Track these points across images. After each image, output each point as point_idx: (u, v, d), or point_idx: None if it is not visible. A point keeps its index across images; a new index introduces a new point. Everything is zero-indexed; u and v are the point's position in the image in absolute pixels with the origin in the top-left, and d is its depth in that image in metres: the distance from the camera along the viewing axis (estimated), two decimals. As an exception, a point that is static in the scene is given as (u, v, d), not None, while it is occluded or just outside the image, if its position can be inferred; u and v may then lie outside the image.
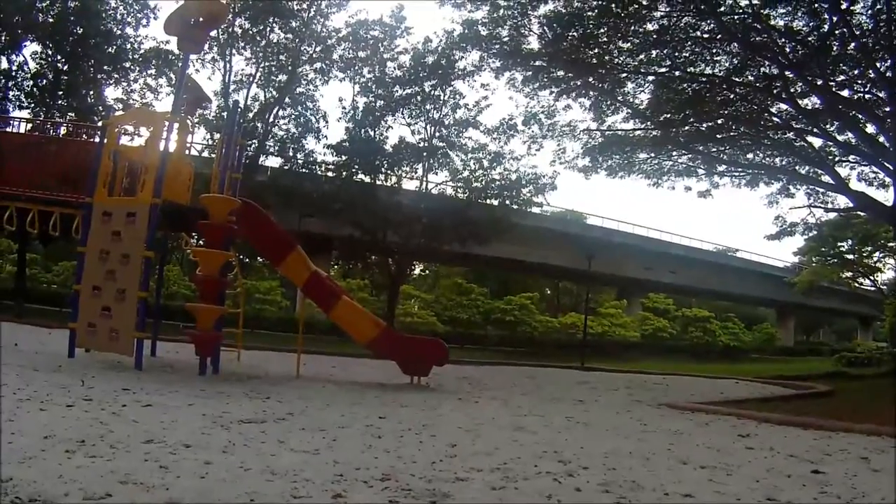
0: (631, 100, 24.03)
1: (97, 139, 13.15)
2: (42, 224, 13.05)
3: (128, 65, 31.53)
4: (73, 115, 28.85)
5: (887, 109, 20.67)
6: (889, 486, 5.55)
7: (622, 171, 26.61)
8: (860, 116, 21.67)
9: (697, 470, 5.96)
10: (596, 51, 21.47)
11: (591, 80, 22.70)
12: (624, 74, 22.66)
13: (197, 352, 12.09)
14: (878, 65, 19.67)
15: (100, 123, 16.04)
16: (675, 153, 25.76)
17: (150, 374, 10.88)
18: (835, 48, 19.82)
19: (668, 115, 23.49)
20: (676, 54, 21.25)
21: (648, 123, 24.49)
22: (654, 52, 21.40)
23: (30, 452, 4.54)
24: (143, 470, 4.42)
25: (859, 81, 21.19)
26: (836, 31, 19.30)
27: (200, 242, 15.34)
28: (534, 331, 46.78)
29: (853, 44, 19.33)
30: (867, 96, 21.46)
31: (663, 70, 22.05)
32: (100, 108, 29.64)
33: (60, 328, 15.68)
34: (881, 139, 21.25)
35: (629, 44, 21.17)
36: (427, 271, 61.19)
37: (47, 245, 35.55)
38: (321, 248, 36.56)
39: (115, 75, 31.54)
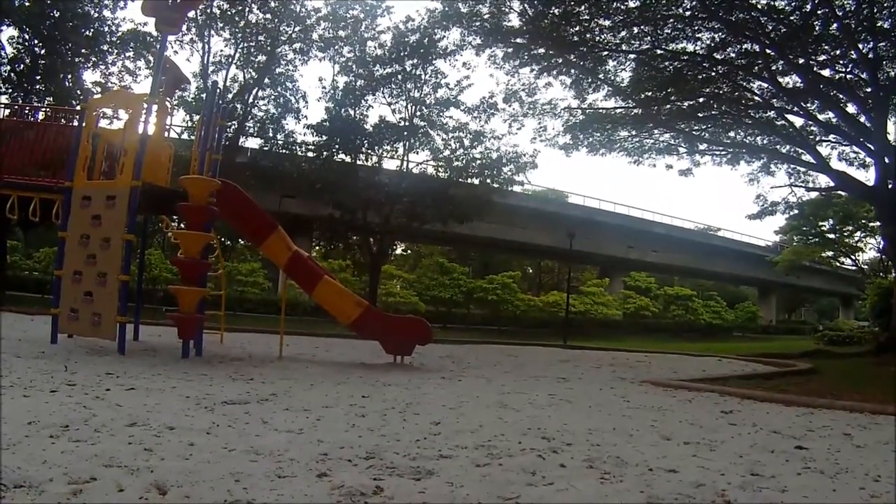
0: (612, 78, 24.07)
1: (76, 123, 13.01)
2: (22, 210, 12.94)
3: (106, 47, 31.06)
4: (51, 99, 28.53)
5: (868, 90, 20.81)
6: (872, 461, 5.59)
7: (603, 149, 26.69)
8: (841, 96, 21.78)
9: (681, 446, 6.01)
10: (577, 28, 21.46)
11: (572, 57, 22.70)
12: (605, 52, 22.65)
13: (180, 335, 12.05)
14: (860, 46, 19.75)
15: (78, 107, 15.85)
16: (656, 131, 25.86)
17: (133, 357, 10.85)
18: (817, 28, 19.88)
19: (649, 93, 23.56)
20: (658, 32, 21.26)
21: (629, 101, 24.52)
22: (635, 30, 21.40)
23: (14, 438, 4.52)
24: (128, 453, 4.41)
25: (841, 62, 21.29)
26: (819, 11, 19.35)
27: (181, 225, 15.26)
28: (516, 310, 46.84)
29: (835, 24, 19.41)
30: (849, 77, 21.56)
31: (644, 47, 22.05)
32: (78, 91, 29.22)
33: (42, 315, 15.58)
34: (862, 119, 21.39)
35: (610, 21, 21.15)
36: (409, 251, 61.17)
37: (28, 232, 35.21)
38: (302, 229, 36.49)
39: (93, 58, 31.06)
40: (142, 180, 11.73)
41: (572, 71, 23.64)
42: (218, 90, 19.45)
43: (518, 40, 22.40)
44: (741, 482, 4.57)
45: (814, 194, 32.49)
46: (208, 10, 30.79)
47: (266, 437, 5.30)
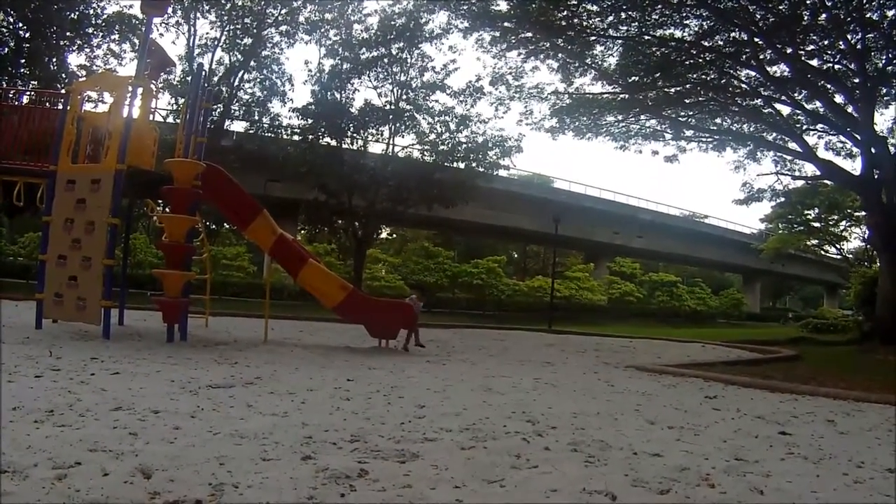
0: (599, 62, 24.02)
1: (60, 106, 12.89)
2: (6, 195, 12.82)
3: (90, 30, 30.76)
4: (35, 82, 28.23)
5: (856, 81, 20.89)
6: (855, 447, 5.66)
7: (589, 133, 26.71)
8: (829, 86, 21.85)
9: (665, 430, 6.06)
10: (564, 12, 21.40)
11: (559, 41, 22.65)
12: (592, 37, 22.61)
13: (165, 319, 12.02)
14: (848, 37, 19.80)
15: (63, 90, 15.70)
16: (642, 116, 25.87)
17: (117, 342, 10.82)
18: (805, 18, 19.90)
19: (636, 79, 23.54)
20: (645, 17, 21.24)
21: (616, 86, 24.52)
22: (622, 15, 21.35)
23: (-2, 423, 4.51)
24: (112, 437, 4.42)
25: (829, 52, 21.34)
26: (808, 1, 19.38)
27: (166, 208, 15.18)
28: (501, 294, 47.01)
29: (824, 14, 19.43)
30: (836, 67, 21.62)
31: (632, 33, 22.02)
32: (63, 74, 28.97)
33: (27, 300, 15.49)
34: (849, 109, 21.47)
35: (598, 6, 21.10)
36: (394, 235, 61.07)
37: (13, 217, 34.87)
38: (287, 212, 36.32)
39: (78, 41, 30.74)
40: (126, 164, 11.65)
41: (559, 55, 23.60)
42: (203, 73, 19.28)
43: (505, 24, 22.32)
44: (725, 466, 4.62)
45: (800, 183, 32.62)
46: (194, -8, 30.56)
47: (251, 421, 5.32)
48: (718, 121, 26.43)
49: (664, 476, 4.26)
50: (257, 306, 22.82)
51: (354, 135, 31.37)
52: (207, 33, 33.15)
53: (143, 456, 3.98)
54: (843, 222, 40.30)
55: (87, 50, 31.34)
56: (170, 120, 29.35)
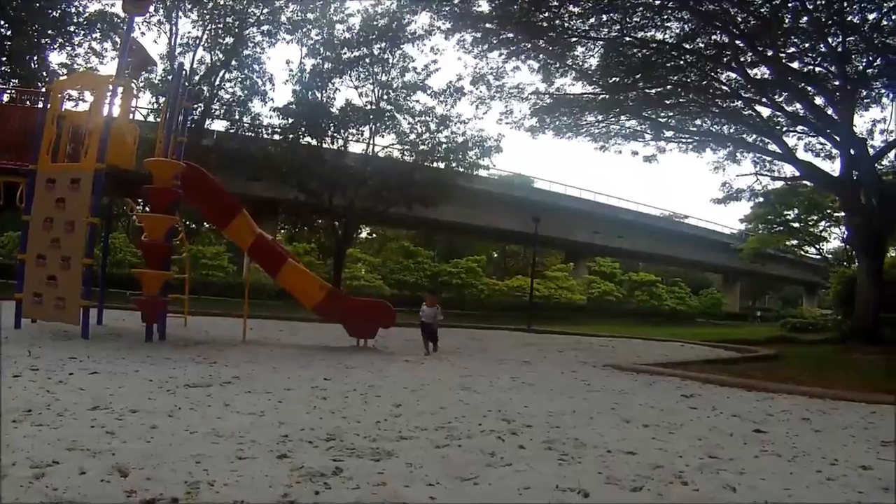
0: (580, 63, 24.13)
1: (41, 105, 12.84)
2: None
3: (72, 29, 30.53)
4: (16, 81, 28.00)
5: (836, 83, 21.09)
6: (830, 445, 5.73)
7: (569, 133, 26.85)
8: (809, 89, 22.04)
9: (640, 428, 6.11)
10: (546, 14, 21.50)
11: (540, 42, 22.75)
12: (574, 38, 22.71)
13: (143, 318, 11.99)
14: (829, 40, 19.97)
15: (44, 89, 15.60)
16: (622, 117, 26.00)
17: (96, 342, 10.79)
18: (787, 20, 20.06)
19: (617, 79, 23.67)
20: (627, 20, 21.36)
21: (597, 87, 24.63)
22: (604, 17, 21.47)
23: (-26, 423, 4.51)
24: (90, 436, 4.44)
25: (810, 55, 21.53)
26: (789, 4, 19.53)
27: (146, 208, 15.14)
28: (480, 293, 47.07)
29: (805, 17, 19.60)
30: (817, 69, 21.81)
31: (614, 35, 22.13)
32: (44, 73, 28.75)
33: (6, 300, 15.40)
34: (829, 111, 21.68)
35: (580, 7, 21.20)
36: (374, 235, 60.99)
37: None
38: (267, 212, 36.21)
39: (60, 40, 30.53)
40: (107, 163, 11.61)
41: (540, 56, 23.71)
42: (184, 72, 19.25)
43: (487, 25, 22.39)
44: (699, 464, 4.68)
45: (779, 183, 32.93)
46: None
47: (227, 420, 5.34)
48: (699, 122, 26.62)
49: (638, 474, 4.31)
50: (237, 306, 22.77)
51: (335, 134, 31.34)
52: (189, 32, 33.04)
53: (120, 455, 4.00)
54: (823, 223, 40.72)
55: (69, 48, 31.18)
56: (150, 119, 29.23)
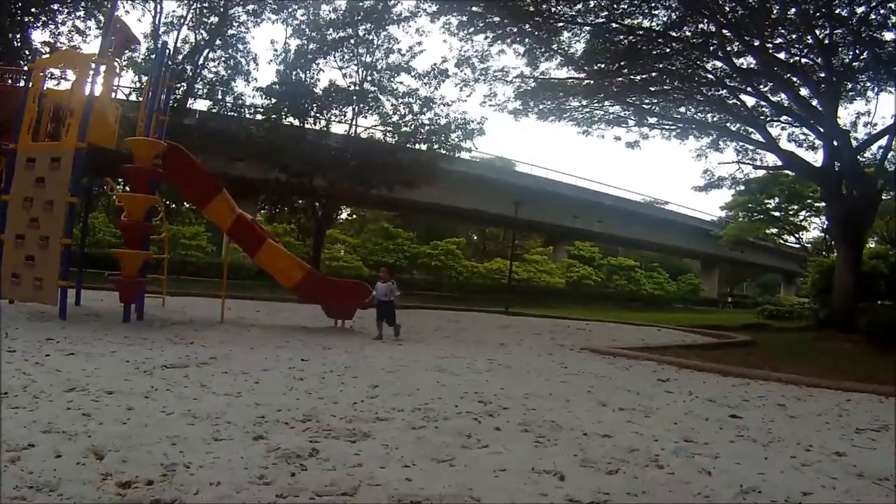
0: (566, 49, 24.04)
1: (22, 83, 12.69)
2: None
3: (56, 6, 30.05)
4: (-2, 59, 27.60)
5: (822, 75, 21.17)
6: (804, 431, 5.82)
7: (553, 116, 26.79)
8: (795, 79, 22.11)
9: (616, 412, 6.18)
10: (533, -2, 21.42)
11: (526, 27, 22.63)
12: (560, 23, 22.62)
13: (121, 299, 11.92)
14: (816, 31, 20.02)
15: (25, 67, 15.40)
16: (606, 102, 25.97)
17: (74, 322, 10.75)
18: (774, 11, 20.09)
19: (602, 65, 23.63)
20: (614, 6, 21.30)
21: (582, 72, 24.59)
22: (591, 3, 21.40)
23: (-51, 405, 4.49)
24: (66, 418, 4.44)
25: (797, 46, 21.57)
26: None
27: (126, 187, 15.03)
28: (459, 276, 47.16)
29: (793, 8, 19.62)
30: (803, 61, 21.87)
31: (600, 21, 22.07)
32: (26, 51, 28.34)
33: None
34: (814, 103, 21.76)
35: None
36: (354, 216, 60.87)
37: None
38: (248, 192, 36.01)
39: (43, 17, 30.00)
40: (87, 142, 11.50)
41: (526, 40, 23.59)
42: (168, 51, 19.05)
43: (474, 8, 22.26)
44: (674, 448, 4.74)
45: (761, 172, 33.06)
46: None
47: (204, 401, 5.35)
48: (683, 109, 26.62)
49: (613, 457, 4.37)
50: (215, 286, 22.68)
51: (317, 115, 31.20)
52: (173, 11, 32.67)
53: (96, 437, 4.00)
54: (803, 212, 40.94)
55: (52, 26, 30.56)
56: (133, 98, 28.96)
